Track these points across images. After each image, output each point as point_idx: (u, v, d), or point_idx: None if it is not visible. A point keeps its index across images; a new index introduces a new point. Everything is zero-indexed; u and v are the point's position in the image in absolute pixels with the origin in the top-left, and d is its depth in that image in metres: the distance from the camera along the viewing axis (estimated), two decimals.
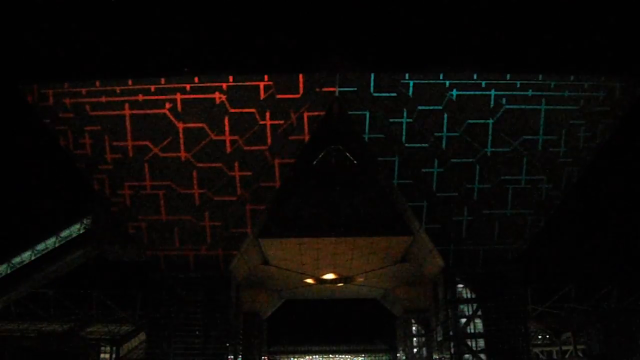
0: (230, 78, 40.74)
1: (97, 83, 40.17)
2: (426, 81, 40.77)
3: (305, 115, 44.26)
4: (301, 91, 41.30)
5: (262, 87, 40.68)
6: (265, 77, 39.40)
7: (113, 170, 47.04)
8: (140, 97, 41.67)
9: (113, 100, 41.80)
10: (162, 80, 40.15)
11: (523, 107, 43.55)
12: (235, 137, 47.17)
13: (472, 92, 42.18)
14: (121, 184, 47.11)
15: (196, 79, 40.74)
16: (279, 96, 41.65)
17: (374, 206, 50.99)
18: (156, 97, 41.58)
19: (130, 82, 40.21)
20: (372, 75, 40.39)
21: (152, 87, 40.38)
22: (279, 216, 50.60)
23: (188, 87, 40.48)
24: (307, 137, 46.54)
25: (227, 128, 46.21)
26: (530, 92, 41.90)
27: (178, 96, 41.56)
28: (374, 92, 42.00)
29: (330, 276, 63.62)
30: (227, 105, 42.93)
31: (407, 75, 40.57)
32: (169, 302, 46.91)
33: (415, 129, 46.42)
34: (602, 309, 57.64)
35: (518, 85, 40.74)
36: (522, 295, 49.88)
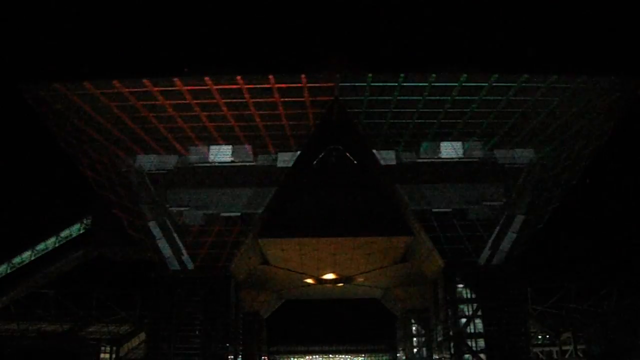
0: (232, 78, 40.48)
1: (98, 83, 40.04)
2: (427, 82, 40.62)
3: (306, 115, 44.43)
4: (302, 91, 41.16)
5: (262, 88, 40.58)
6: (270, 77, 39.16)
7: (113, 171, 47.15)
8: (140, 98, 41.58)
9: (113, 101, 41.71)
10: (163, 80, 40.00)
11: (523, 107, 43.55)
12: (235, 138, 47.35)
13: (471, 92, 42.11)
14: (122, 185, 47.15)
15: (196, 80, 40.55)
16: (279, 97, 41.57)
17: (374, 206, 50.97)
18: (156, 97, 41.48)
19: (131, 82, 40.06)
20: (371, 75, 40.24)
21: (153, 87, 40.23)
22: (279, 216, 50.59)
23: (188, 88, 40.33)
24: (307, 137, 46.78)
25: (227, 130, 46.32)
26: (533, 95, 41.80)
27: (179, 97, 41.48)
28: (373, 92, 41.90)
29: (330, 276, 63.57)
30: (227, 107, 42.89)
31: (408, 75, 40.36)
32: (169, 302, 46.91)
33: (415, 128, 46.55)
34: (602, 309, 57.56)
35: (518, 86, 40.60)
36: (522, 295, 49.84)
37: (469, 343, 47.23)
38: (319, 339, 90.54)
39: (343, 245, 53.14)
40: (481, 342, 47.00)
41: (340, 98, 42.50)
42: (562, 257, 59.05)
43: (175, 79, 39.56)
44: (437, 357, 55.94)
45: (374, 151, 47.72)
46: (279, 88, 40.32)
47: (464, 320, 47.67)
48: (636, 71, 42.37)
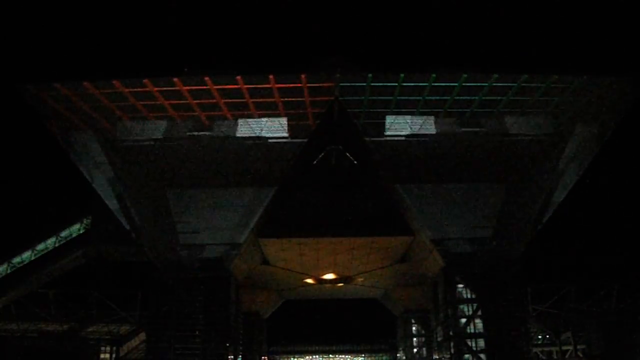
0: (232, 78, 40.42)
1: (98, 83, 39.98)
2: (427, 82, 40.55)
3: (307, 115, 44.41)
4: (302, 91, 41.12)
5: (262, 88, 40.52)
6: (270, 77, 39.07)
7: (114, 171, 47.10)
8: (141, 98, 41.55)
9: (114, 101, 41.69)
10: (163, 80, 39.95)
11: (523, 108, 43.52)
12: (235, 137, 47.29)
13: (471, 92, 42.07)
14: (123, 185, 47.12)
15: (196, 80, 40.50)
16: (279, 97, 41.53)
17: (374, 206, 51.00)
18: (156, 97, 41.44)
19: (131, 82, 39.99)
20: (371, 75, 40.17)
21: (154, 87, 40.16)
22: (279, 216, 50.59)
23: (188, 88, 40.27)
24: (307, 137, 46.71)
25: (226, 130, 46.28)
26: (533, 95, 41.76)
27: (179, 97, 41.44)
28: (373, 92, 41.86)
29: (330, 276, 63.63)
30: (227, 107, 42.85)
31: (408, 75, 40.26)
32: (169, 302, 46.93)
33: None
34: (602, 309, 57.58)
35: (518, 85, 40.55)
36: (522, 295, 49.86)
37: (469, 343, 47.25)
38: (319, 339, 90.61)
39: (343, 245, 53.15)
40: (481, 342, 47.05)
41: (340, 98, 42.43)
42: (562, 258, 59.03)
43: (175, 79, 39.47)
44: (437, 357, 56.03)
45: (374, 151, 47.71)
46: (279, 88, 40.27)
47: (464, 320, 47.70)
48: (636, 71, 42.28)
